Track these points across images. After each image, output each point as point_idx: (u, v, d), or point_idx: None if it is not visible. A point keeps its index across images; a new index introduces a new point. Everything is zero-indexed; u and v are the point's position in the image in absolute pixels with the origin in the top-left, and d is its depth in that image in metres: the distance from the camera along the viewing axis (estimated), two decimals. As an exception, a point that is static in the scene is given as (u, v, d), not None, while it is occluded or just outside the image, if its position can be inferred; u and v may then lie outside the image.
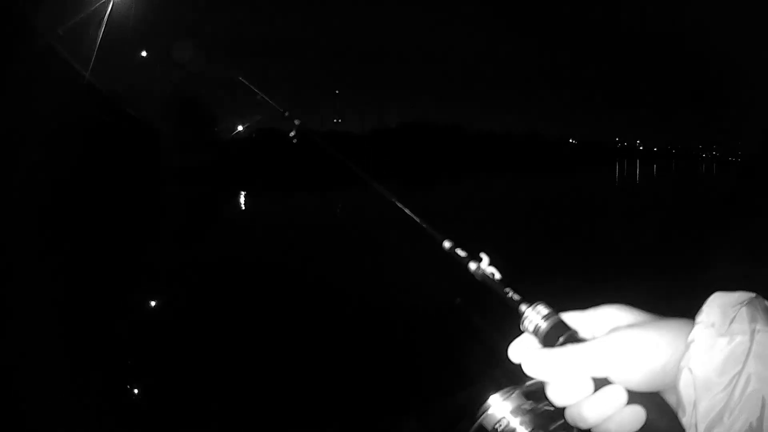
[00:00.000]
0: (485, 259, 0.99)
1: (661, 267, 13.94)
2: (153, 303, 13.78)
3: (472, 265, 1.00)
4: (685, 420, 0.84)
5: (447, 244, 1.04)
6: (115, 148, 30.29)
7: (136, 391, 9.17)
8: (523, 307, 0.95)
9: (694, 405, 0.82)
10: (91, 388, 8.45)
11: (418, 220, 1.12)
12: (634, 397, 0.88)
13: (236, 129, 78.33)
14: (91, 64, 32.82)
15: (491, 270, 0.98)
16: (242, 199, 41.77)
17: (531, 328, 0.94)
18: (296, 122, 1.78)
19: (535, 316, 0.94)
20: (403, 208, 1.16)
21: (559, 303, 0.97)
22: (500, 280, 0.98)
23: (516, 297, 0.96)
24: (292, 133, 1.79)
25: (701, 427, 0.82)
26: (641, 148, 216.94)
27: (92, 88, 32.47)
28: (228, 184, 47.26)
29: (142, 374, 9.53)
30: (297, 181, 45.07)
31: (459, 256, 1.02)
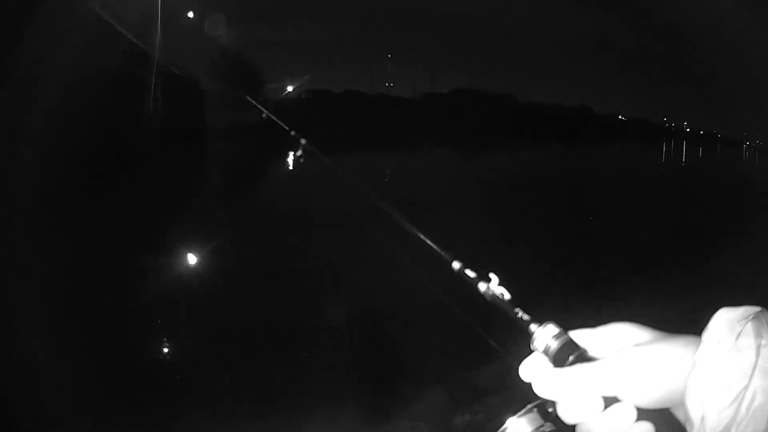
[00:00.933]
0: (494, 279, 1.00)
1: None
2: (191, 261, 13.90)
3: (482, 286, 1.00)
4: None
5: (456, 265, 1.05)
6: (159, 107, 30.51)
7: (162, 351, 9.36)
8: (533, 327, 0.95)
9: (702, 420, 0.83)
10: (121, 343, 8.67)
11: (429, 242, 1.12)
12: (643, 414, 0.89)
13: (286, 89, 78.52)
14: (139, 25, 33.25)
15: (500, 290, 0.99)
16: (290, 159, 41.85)
17: (541, 347, 0.95)
18: (302, 141, 1.79)
19: (545, 335, 0.94)
20: (415, 231, 1.16)
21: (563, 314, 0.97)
22: (509, 300, 0.98)
23: (526, 317, 0.97)
24: (299, 153, 1.80)
25: None
26: (688, 130, 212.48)
27: (136, 48, 32.74)
28: (277, 144, 47.37)
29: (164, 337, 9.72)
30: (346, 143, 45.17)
31: (468, 276, 1.03)
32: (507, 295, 0.99)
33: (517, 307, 0.98)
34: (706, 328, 0.89)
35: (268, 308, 10.75)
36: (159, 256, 12.89)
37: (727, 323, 0.87)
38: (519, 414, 1.01)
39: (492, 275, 1.00)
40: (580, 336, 0.97)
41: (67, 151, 20.80)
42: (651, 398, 0.89)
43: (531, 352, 0.97)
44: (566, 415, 0.93)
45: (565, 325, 0.96)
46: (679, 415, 0.90)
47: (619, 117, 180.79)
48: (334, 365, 8.66)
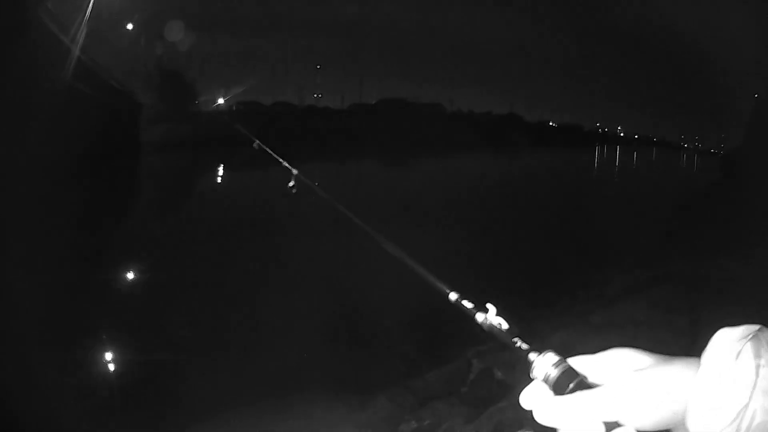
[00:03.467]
0: (492, 309, 0.99)
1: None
2: (126, 275, 13.75)
3: (479, 317, 0.99)
4: None
5: (453, 297, 1.04)
6: (97, 121, 30.08)
7: (111, 367, 9.22)
8: (532, 356, 0.94)
9: None
10: (69, 363, 8.51)
11: (425, 273, 1.10)
12: None
13: (217, 102, 78.31)
14: (79, 36, 32.80)
15: (498, 320, 0.98)
16: (220, 172, 41.69)
17: (541, 375, 0.94)
18: (294, 172, 1.76)
19: (544, 364, 0.93)
20: (409, 262, 1.15)
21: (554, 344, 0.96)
22: (507, 330, 0.98)
23: (525, 346, 0.96)
24: (291, 183, 1.77)
25: None
26: (622, 134, 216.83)
27: (78, 60, 32.30)
28: (207, 157, 47.16)
29: (115, 348, 9.59)
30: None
31: (465, 308, 1.02)
32: (505, 325, 0.98)
33: (515, 336, 0.97)
34: (705, 349, 0.89)
35: (201, 322, 10.68)
36: (94, 269, 12.74)
37: (726, 344, 0.87)
38: None
39: (489, 306, 0.99)
40: (579, 363, 0.96)
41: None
42: (652, 422, 0.89)
43: (530, 380, 0.96)
44: None
45: (563, 353, 0.95)
46: None
47: (550, 123, 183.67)
48: (276, 376, 8.61)
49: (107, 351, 9.50)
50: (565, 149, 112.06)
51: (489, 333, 0.98)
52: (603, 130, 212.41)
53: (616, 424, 0.89)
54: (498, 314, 0.98)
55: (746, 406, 0.81)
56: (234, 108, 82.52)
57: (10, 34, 23.52)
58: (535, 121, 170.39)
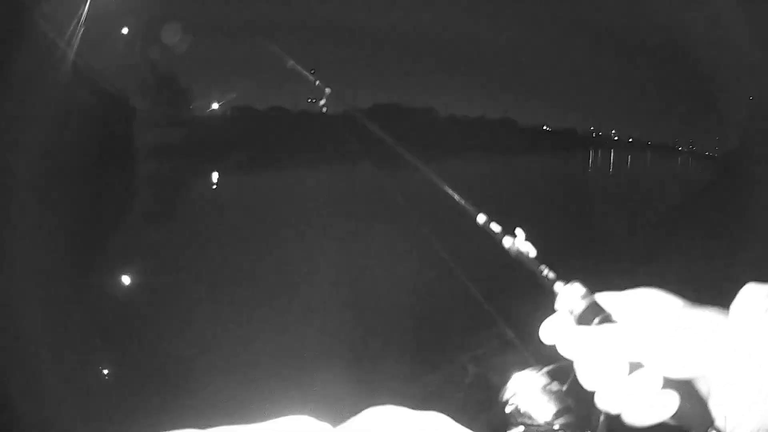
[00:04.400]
0: (521, 234, 0.96)
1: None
2: (122, 282, 13.71)
3: (507, 241, 0.97)
4: (717, 409, 0.85)
5: (481, 219, 1.01)
6: (91, 125, 30.06)
7: (106, 373, 9.19)
8: (558, 286, 0.92)
9: (728, 393, 0.82)
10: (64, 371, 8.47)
11: (453, 194, 1.08)
12: (667, 383, 0.86)
13: (211, 106, 78.30)
14: (74, 40, 32.84)
15: (526, 246, 0.96)
16: (214, 178, 41.61)
17: (566, 307, 0.92)
18: (327, 90, 1.75)
19: (570, 295, 0.92)
20: (438, 182, 1.13)
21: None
22: (535, 258, 0.95)
23: (551, 275, 0.94)
24: (322, 101, 1.76)
25: (731, 416, 0.82)
26: (616, 138, 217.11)
27: (73, 65, 32.32)
28: (201, 162, 47.08)
29: (113, 357, 9.55)
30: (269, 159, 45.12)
31: (493, 231, 0.99)
32: (533, 252, 0.95)
33: (542, 264, 0.95)
34: (733, 301, 0.88)
35: (194, 326, 10.65)
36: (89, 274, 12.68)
37: (755, 297, 0.87)
38: (527, 371, 0.99)
39: (518, 230, 0.97)
40: (606, 299, 0.94)
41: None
42: (677, 367, 0.87)
43: (553, 313, 0.95)
44: (587, 380, 0.90)
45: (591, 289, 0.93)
46: (702, 387, 0.88)
47: (544, 127, 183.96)
48: (268, 381, 8.58)
49: (98, 357, 9.46)
50: (559, 153, 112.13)
51: (515, 258, 0.96)
52: (597, 133, 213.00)
53: (640, 366, 0.88)
54: (526, 240, 0.96)
55: None
56: (229, 113, 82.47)
57: (7, 39, 23.52)
58: (530, 125, 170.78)
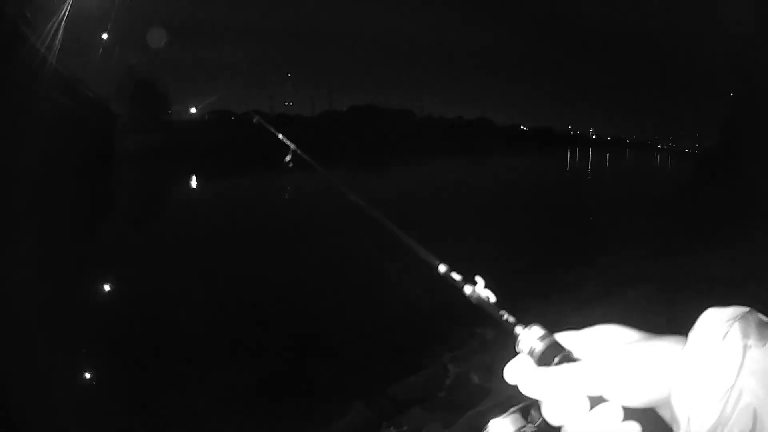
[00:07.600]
0: (480, 282, 0.99)
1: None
2: (101, 285, 13.66)
3: (468, 289, 0.99)
4: None
5: (442, 269, 1.04)
6: (73, 132, 29.84)
7: (90, 377, 9.15)
8: (518, 329, 0.95)
9: (689, 420, 0.83)
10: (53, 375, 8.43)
11: (414, 245, 1.11)
12: (629, 413, 0.89)
13: (189, 110, 77.99)
14: (55, 46, 32.63)
15: (486, 293, 0.98)
16: (193, 182, 41.44)
17: (526, 349, 0.94)
18: (292, 147, 1.75)
19: (530, 337, 0.94)
20: (399, 234, 1.15)
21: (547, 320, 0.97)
22: (495, 303, 0.98)
23: (511, 319, 0.96)
24: (288, 158, 1.77)
25: None
26: (594, 136, 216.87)
27: (55, 71, 32.12)
28: (179, 167, 46.83)
29: (96, 361, 9.50)
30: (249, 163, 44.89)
31: (454, 280, 1.02)
32: (492, 298, 0.98)
33: (502, 309, 0.97)
34: (692, 328, 0.89)
35: (174, 332, 10.60)
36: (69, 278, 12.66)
37: (713, 323, 0.87)
38: (503, 415, 1.01)
39: (478, 278, 0.99)
40: (565, 338, 0.97)
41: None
42: (637, 398, 0.89)
43: (515, 354, 0.96)
44: (552, 416, 0.92)
45: (551, 328, 0.95)
46: (665, 414, 0.90)
47: (521, 127, 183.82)
48: (252, 385, 8.57)
49: (84, 362, 9.43)
50: (537, 152, 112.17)
51: (476, 305, 0.98)
52: (575, 132, 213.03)
53: (602, 400, 0.89)
54: (486, 287, 0.98)
55: (732, 386, 0.81)
56: (206, 117, 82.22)
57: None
58: (507, 125, 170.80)
